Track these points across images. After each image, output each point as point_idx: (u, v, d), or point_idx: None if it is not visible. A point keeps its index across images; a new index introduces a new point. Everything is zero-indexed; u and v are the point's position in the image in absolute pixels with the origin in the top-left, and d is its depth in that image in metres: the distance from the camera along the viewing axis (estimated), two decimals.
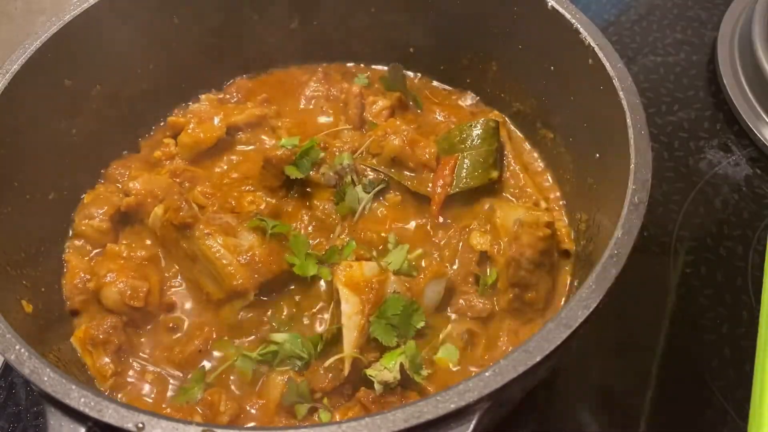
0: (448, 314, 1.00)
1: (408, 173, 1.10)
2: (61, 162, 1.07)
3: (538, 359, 0.69)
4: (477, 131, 1.10)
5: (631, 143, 0.86)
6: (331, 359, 0.90)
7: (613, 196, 0.86)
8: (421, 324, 0.94)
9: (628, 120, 0.88)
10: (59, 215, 1.08)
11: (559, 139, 1.13)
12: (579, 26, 0.99)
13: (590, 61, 0.96)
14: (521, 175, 1.13)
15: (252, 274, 0.96)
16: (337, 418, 0.89)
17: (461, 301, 1.00)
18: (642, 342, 1.12)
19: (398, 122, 1.14)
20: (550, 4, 1.02)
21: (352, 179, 1.08)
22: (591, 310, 0.73)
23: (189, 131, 1.13)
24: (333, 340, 0.93)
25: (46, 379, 0.70)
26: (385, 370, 0.88)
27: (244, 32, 1.24)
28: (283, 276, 0.99)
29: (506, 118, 1.22)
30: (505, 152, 1.15)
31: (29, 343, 0.74)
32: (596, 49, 0.96)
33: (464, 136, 1.11)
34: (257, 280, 0.96)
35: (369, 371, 0.89)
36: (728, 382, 1.08)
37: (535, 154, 1.20)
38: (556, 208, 1.13)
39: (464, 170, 1.08)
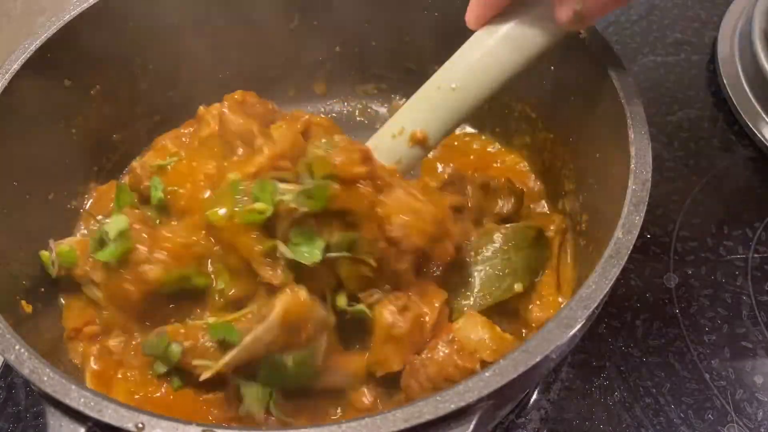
0: None
1: None
2: (61, 162, 1.07)
3: (538, 359, 0.69)
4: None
5: (631, 143, 0.86)
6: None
7: (613, 196, 0.86)
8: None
9: (628, 120, 0.88)
10: (59, 215, 1.08)
11: (559, 139, 1.13)
12: None
13: (590, 61, 0.96)
14: None
15: None
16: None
17: None
18: (642, 343, 1.12)
19: None
20: None
21: None
22: (591, 310, 0.73)
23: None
24: None
25: (46, 379, 0.70)
26: None
27: (243, 32, 1.24)
28: None
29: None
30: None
31: (29, 343, 0.74)
32: (596, 49, 0.96)
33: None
34: None
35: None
36: (728, 382, 1.08)
37: (535, 155, 1.20)
38: (557, 208, 1.13)
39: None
